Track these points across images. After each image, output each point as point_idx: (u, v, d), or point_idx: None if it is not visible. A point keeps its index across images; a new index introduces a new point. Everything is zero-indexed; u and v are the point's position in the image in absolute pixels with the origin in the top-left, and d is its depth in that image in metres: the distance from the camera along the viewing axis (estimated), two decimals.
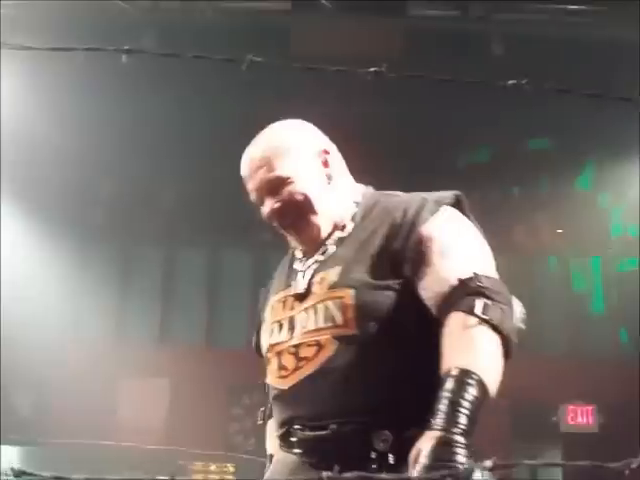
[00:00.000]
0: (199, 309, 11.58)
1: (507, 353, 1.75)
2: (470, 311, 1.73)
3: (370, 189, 2.11)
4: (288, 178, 1.97)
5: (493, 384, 1.70)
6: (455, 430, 1.58)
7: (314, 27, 8.88)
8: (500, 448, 9.87)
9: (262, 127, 2.11)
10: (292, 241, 2.09)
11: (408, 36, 8.97)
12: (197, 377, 10.57)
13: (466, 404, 1.61)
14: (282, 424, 1.95)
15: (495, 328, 1.72)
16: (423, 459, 1.55)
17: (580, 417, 10.72)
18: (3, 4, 7.87)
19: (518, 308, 1.82)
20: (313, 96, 8.36)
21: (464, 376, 1.64)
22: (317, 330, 1.87)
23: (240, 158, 2.09)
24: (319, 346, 1.85)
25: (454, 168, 11.18)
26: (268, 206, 2.00)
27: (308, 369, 1.86)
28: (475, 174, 10.84)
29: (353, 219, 2.00)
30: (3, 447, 10.67)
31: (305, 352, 1.87)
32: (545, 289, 11.55)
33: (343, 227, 2.00)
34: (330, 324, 1.85)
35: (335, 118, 9.57)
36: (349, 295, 1.84)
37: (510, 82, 1.33)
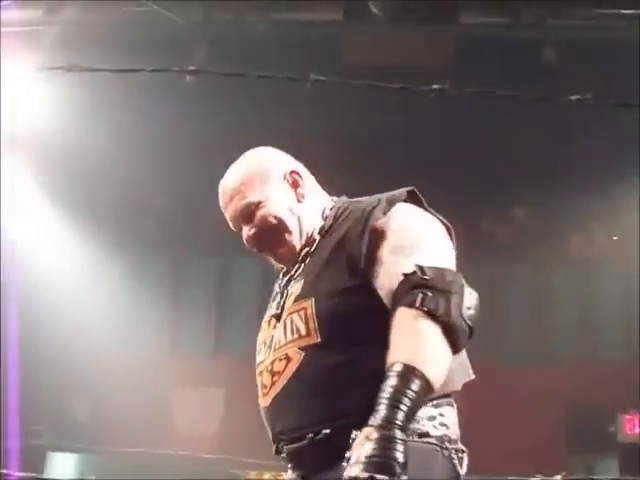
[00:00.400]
0: (251, 318, 11.62)
1: (455, 341, 1.75)
2: (411, 304, 1.75)
3: (343, 198, 2.16)
4: (259, 203, 2.05)
5: (437, 375, 1.71)
6: (392, 426, 1.60)
7: (366, 37, 8.88)
8: (556, 457, 9.78)
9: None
10: (274, 263, 2.17)
11: (459, 44, 8.92)
12: (251, 386, 10.59)
13: (405, 400, 1.63)
14: (272, 442, 2.00)
15: (437, 318, 1.73)
16: (359, 456, 1.58)
17: (638, 427, 10.54)
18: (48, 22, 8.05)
19: (469, 295, 1.81)
20: (369, 109, 8.36)
21: (405, 371, 1.66)
22: (286, 344, 1.92)
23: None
24: (287, 359, 1.90)
25: (511, 178, 11.06)
26: (245, 233, 2.09)
27: (280, 383, 1.91)
28: (532, 183, 10.73)
29: (320, 232, 2.06)
30: (63, 455, 10.87)
31: (277, 367, 1.93)
32: (604, 296, 11.40)
33: (313, 242, 2.06)
34: (296, 336, 1.90)
35: (389, 129, 9.58)
36: (310, 304, 1.90)
37: (574, 97, 1.33)
